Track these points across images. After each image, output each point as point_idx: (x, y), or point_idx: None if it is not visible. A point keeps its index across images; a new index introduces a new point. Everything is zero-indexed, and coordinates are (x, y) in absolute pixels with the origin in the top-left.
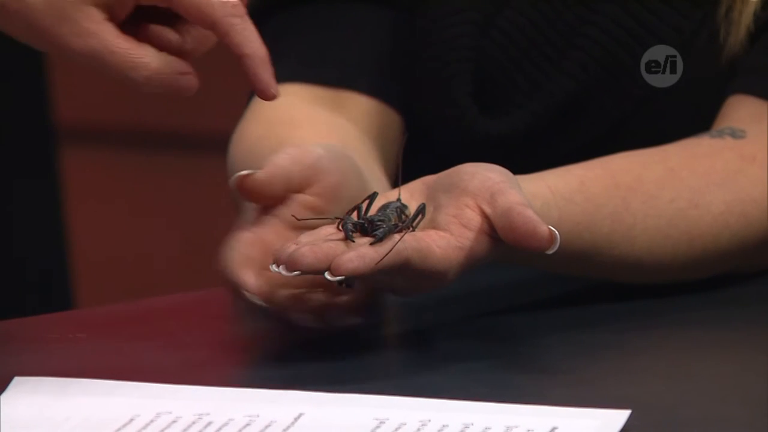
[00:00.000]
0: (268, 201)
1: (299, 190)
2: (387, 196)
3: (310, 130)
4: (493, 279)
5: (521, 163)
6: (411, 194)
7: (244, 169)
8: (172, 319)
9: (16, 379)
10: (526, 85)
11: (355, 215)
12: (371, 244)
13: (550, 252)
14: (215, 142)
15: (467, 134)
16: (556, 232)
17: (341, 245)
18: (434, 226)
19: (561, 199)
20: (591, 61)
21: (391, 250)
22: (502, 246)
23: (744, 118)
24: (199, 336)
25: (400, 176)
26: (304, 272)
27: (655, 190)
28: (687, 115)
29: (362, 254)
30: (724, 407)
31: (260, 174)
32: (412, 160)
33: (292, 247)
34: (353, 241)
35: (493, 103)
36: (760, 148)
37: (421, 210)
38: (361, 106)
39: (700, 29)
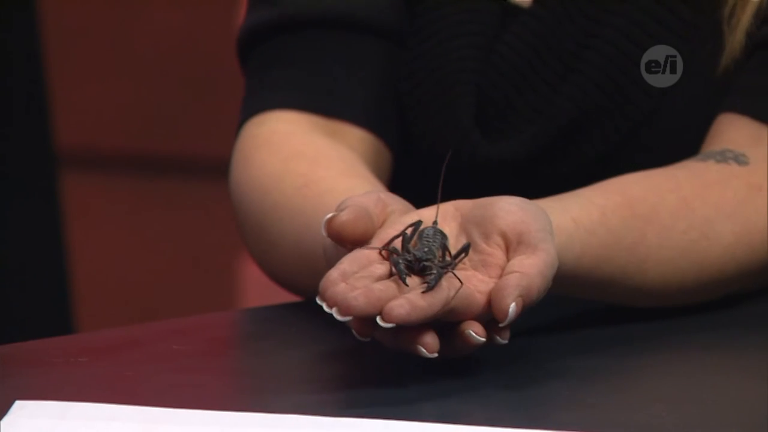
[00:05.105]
0: (354, 241)
1: (377, 226)
2: (420, 213)
3: (330, 167)
4: None
5: (522, 185)
6: (443, 217)
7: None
8: (173, 343)
9: (17, 403)
10: (528, 109)
11: (397, 242)
12: (423, 292)
13: (502, 326)
14: (215, 168)
15: (469, 158)
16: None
17: (392, 287)
18: (473, 264)
19: (584, 231)
20: (591, 84)
21: (443, 304)
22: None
23: (741, 141)
24: (200, 360)
25: (439, 197)
26: (355, 316)
27: (670, 221)
28: (687, 135)
29: (413, 303)
30: (726, 431)
31: (345, 215)
32: (412, 183)
33: (341, 287)
34: (407, 285)
35: (495, 128)
36: (766, 176)
37: (465, 249)
38: (355, 136)
39: (697, 51)
